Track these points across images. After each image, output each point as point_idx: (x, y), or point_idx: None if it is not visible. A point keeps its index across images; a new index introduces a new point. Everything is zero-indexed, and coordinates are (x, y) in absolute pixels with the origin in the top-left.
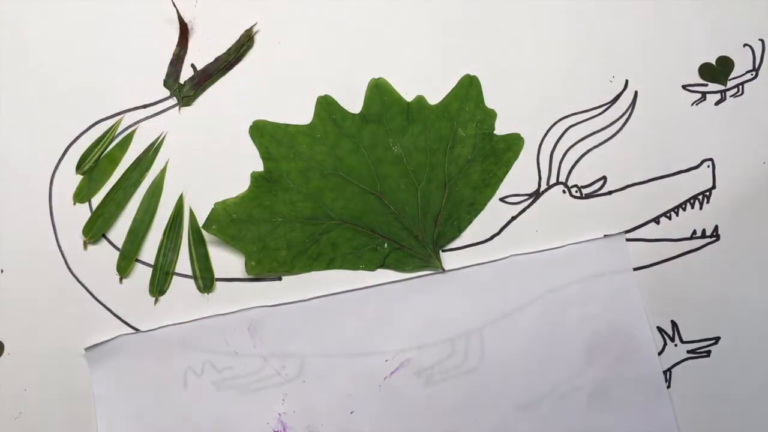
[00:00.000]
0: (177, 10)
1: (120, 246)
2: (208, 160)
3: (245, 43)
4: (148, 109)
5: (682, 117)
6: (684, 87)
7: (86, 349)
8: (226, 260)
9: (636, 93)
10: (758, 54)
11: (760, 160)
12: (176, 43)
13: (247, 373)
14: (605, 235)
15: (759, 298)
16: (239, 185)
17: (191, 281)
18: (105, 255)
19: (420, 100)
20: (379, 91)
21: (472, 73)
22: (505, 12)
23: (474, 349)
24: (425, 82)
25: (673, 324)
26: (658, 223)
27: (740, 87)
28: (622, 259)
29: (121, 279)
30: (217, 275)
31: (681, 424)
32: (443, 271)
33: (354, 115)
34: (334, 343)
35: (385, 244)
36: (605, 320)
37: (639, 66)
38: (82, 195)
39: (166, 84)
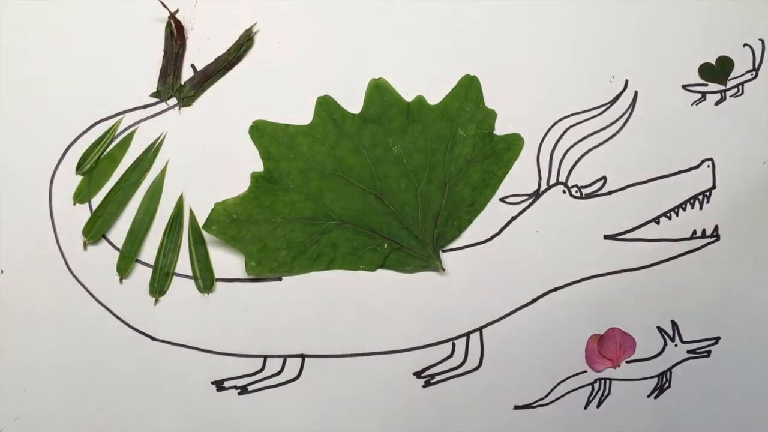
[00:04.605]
0: (168, 10)
1: (120, 246)
2: (208, 160)
3: (245, 43)
4: (148, 109)
5: (682, 117)
6: (684, 87)
7: None
8: (226, 260)
9: (636, 93)
10: (758, 54)
11: (760, 160)
12: (174, 41)
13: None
14: (605, 236)
15: (759, 298)
16: (239, 185)
17: (191, 281)
18: (105, 255)
19: (420, 101)
20: (379, 91)
21: (472, 73)
22: (505, 12)
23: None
24: (425, 82)
25: (673, 324)
26: (658, 223)
27: (740, 87)
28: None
29: (121, 279)
30: (217, 275)
31: (681, 424)
32: (443, 271)
33: (354, 115)
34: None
35: (385, 245)
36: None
37: (639, 66)
38: (82, 195)
39: (159, 84)
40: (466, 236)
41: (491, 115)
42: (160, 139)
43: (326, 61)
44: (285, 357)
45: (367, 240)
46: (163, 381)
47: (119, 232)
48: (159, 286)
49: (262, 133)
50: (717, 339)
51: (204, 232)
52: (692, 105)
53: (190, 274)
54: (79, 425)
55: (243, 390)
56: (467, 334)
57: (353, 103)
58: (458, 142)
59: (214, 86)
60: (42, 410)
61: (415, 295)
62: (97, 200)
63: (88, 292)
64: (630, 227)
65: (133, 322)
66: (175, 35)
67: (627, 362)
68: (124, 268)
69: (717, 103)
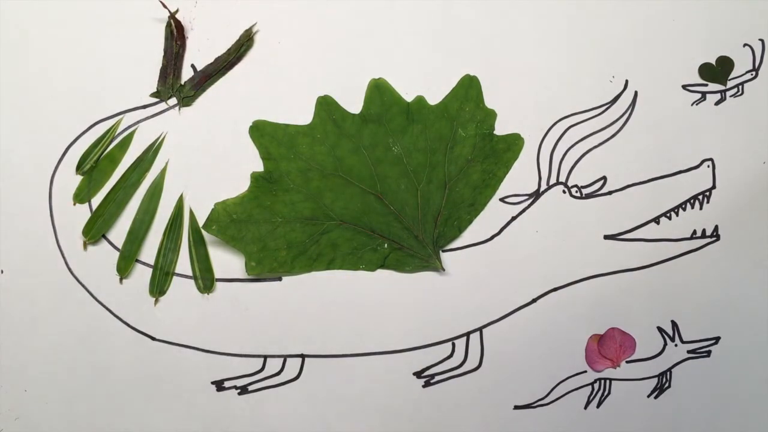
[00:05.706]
0: (168, 10)
1: (120, 246)
2: (208, 160)
3: (245, 43)
4: (148, 109)
5: (682, 117)
6: (684, 87)
7: None
8: (226, 260)
9: (636, 93)
10: (758, 54)
11: (760, 160)
12: (174, 41)
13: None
14: (605, 236)
15: (759, 298)
16: (239, 185)
17: (191, 281)
18: (105, 255)
19: (420, 100)
20: (379, 91)
21: (472, 73)
22: (505, 12)
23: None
24: (425, 82)
25: (673, 324)
26: (658, 223)
27: (740, 87)
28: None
29: (121, 279)
30: (217, 275)
31: (681, 424)
32: (443, 271)
33: (354, 115)
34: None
35: (385, 245)
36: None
37: (639, 66)
38: (82, 195)
39: (159, 84)
40: (466, 236)
41: (491, 115)
42: (160, 139)
43: (326, 61)
44: (285, 357)
45: (367, 240)
46: (163, 381)
47: (119, 232)
48: (159, 286)
49: (262, 133)
50: (717, 339)
51: (204, 232)
52: (692, 105)
53: (190, 274)
54: (79, 425)
55: (243, 390)
56: (467, 334)
57: (353, 103)
58: (458, 142)
59: (214, 86)
60: (42, 410)
61: (415, 295)
62: (97, 200)
63: (88, 292)
64: (630, 227)
65: (133, 322)
66: (175, 35)
67: (627, 362)
68: (124, 268)
69: (717, 103)
